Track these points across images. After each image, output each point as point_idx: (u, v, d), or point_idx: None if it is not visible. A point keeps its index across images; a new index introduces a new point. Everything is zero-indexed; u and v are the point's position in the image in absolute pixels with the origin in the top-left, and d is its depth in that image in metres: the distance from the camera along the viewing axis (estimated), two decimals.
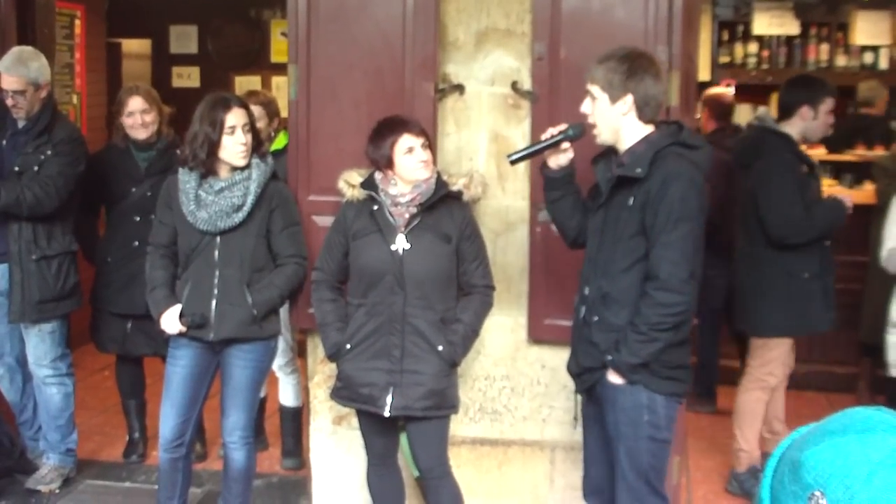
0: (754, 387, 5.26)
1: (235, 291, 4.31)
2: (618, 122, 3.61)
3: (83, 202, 5.36)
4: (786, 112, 5.21)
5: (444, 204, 4.08)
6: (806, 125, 5.15)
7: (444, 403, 4.10)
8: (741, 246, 5.32)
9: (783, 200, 4.99)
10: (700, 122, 6.65)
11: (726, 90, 7.06)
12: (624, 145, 3.64)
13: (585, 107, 3.67)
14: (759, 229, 5.11)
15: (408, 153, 3.98)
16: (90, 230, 5.60)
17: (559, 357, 4.04)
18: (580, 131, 3.73)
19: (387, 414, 4.04)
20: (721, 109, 6.76)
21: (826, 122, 5.21)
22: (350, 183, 4.16)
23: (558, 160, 3.82)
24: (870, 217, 6.58)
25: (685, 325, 3.62)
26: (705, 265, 5.71)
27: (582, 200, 3.90)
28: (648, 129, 3.63)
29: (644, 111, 3.60)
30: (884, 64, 9.18)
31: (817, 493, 1.14)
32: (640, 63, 3.59)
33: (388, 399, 4.02)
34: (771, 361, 5.25)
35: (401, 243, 4.02)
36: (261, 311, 4.34)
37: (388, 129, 4.04)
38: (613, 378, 3.61)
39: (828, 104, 5.15)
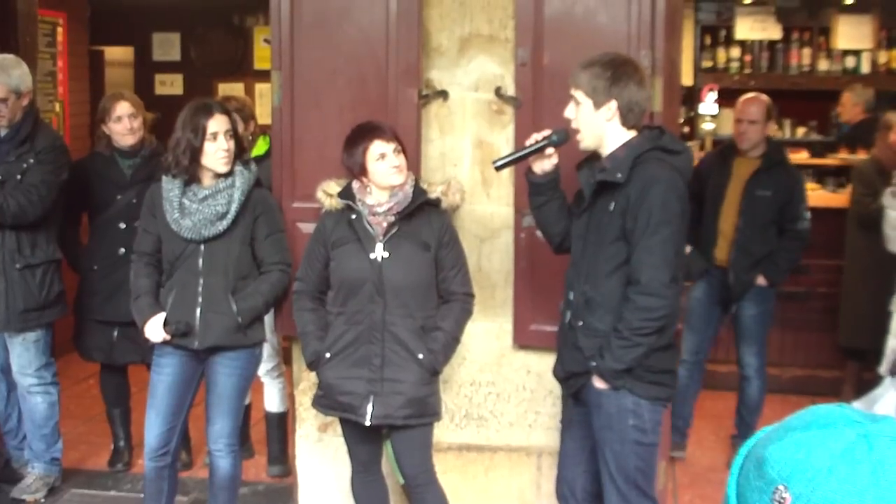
0: None
1: (220, 299, 4.30)
2: (601, 127, 3.62)
3: (66, 210, 5.34)
4: None
5: (422, 212, 4.08)
6: None
7: (425, 411, 4.09)
8: None
9: None
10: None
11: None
12: (606, 150, 3.65)
13: (569, 111, 3.68)
14: None
15: (380, 159, 3.99)
16: (73, 239, 5.57)
17: (545, 362, 4.05)
18: (564, 137, 3.73)
19: (367, 423, 4.03)
20: None
21: None
22: (328, 192, 4.16)
23: (543, 166, 3.83)
24: (846, 222, 6.63)
25: (669, 328, 3.63)
26: None
27: (567, 205, 3.90)
28: (631, 134, 3.64)
29: (628, 117, 3.61)
30: (866, 68, 9.22)
31: (781, 488, 1.15)
32: (624, 69, 3.60)
33: (369, 408, 4.01)
34: None
35: (379, 252, 4.02)
36: (246, 319, 4.33)
37: (359, 135, 4.04)
38: (598, 384, 3.61)
39: None
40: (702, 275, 5.77)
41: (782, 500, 1.15)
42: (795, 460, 1.15)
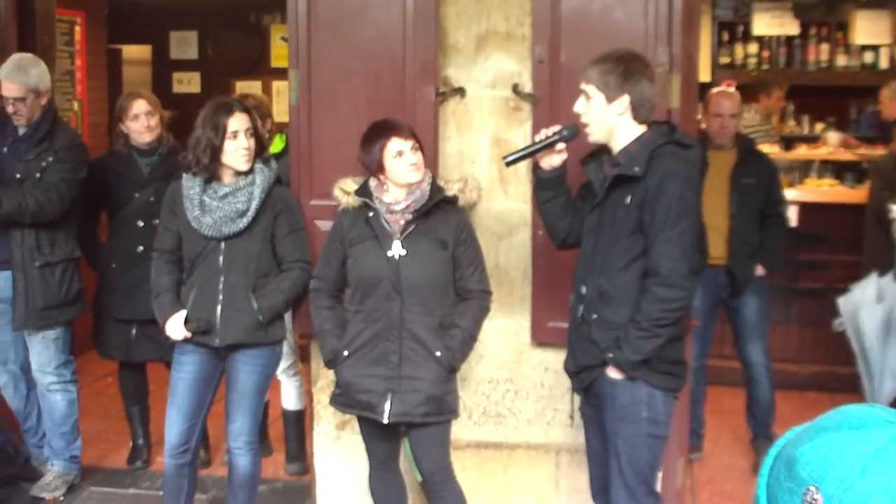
0: None
1: (240, 297, 4.31)
2: (613, 122, 3.64)
3: (84, 209, 5.36)
4: None
5: (439, 209, 4.08)
6: None
7: (443, 409, 4.09)
8: None
9: None
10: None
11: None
12: (618, 145, 3.67)
13: (579, 106, 3.69)
14: None
15: (397, 157, 3.98)
16: (91, 237, 5.59)
17: (562, 359, 4.04)
18: (574, 132, 3.75)
19: (386, 421, 4.03)
20: None
21: None
22: (345, 190, 4.16)
23: (551, 161, 3.83)
24: (864, 217, 6.59)
25: (684, 319, 3.65)
26: None
27: (572, 201, 3.91)
28: (642, 129, 3.66)
29: (639, 112, 3.63)
30: (884, 63, 9.18)
31: (812, 489, 1.15)
32: (635, 65, 3.62)
33: (387, 406, 4.01)
34: None
35: (397, 249, 4.01)
36: (266, 317, 4.34)
37: (376, 133, 4.04)
38: (613, 374, 3.62)
39: None
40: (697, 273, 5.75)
41: (814, 501, 1.14)
42: (827, 461, 1.14)
